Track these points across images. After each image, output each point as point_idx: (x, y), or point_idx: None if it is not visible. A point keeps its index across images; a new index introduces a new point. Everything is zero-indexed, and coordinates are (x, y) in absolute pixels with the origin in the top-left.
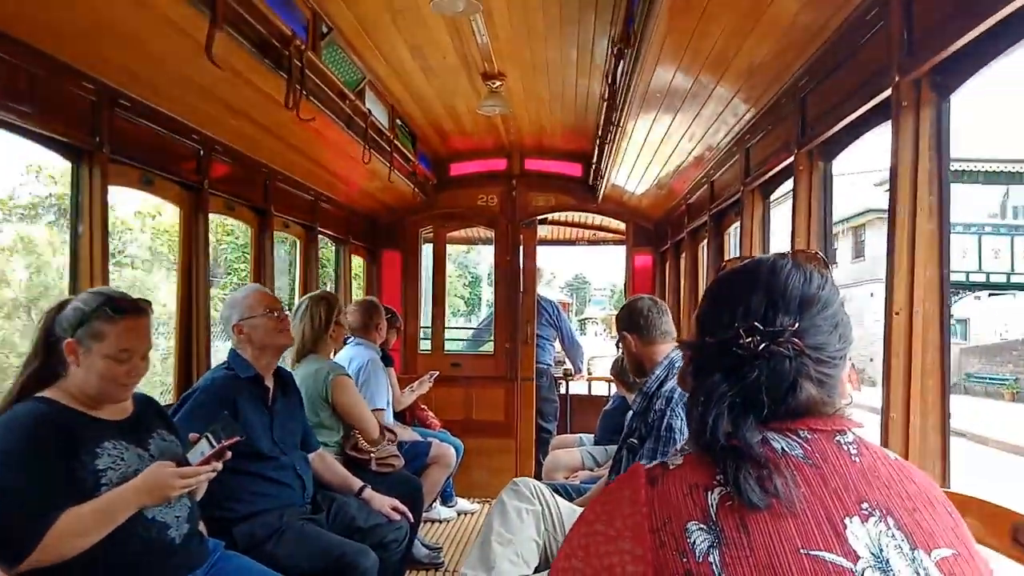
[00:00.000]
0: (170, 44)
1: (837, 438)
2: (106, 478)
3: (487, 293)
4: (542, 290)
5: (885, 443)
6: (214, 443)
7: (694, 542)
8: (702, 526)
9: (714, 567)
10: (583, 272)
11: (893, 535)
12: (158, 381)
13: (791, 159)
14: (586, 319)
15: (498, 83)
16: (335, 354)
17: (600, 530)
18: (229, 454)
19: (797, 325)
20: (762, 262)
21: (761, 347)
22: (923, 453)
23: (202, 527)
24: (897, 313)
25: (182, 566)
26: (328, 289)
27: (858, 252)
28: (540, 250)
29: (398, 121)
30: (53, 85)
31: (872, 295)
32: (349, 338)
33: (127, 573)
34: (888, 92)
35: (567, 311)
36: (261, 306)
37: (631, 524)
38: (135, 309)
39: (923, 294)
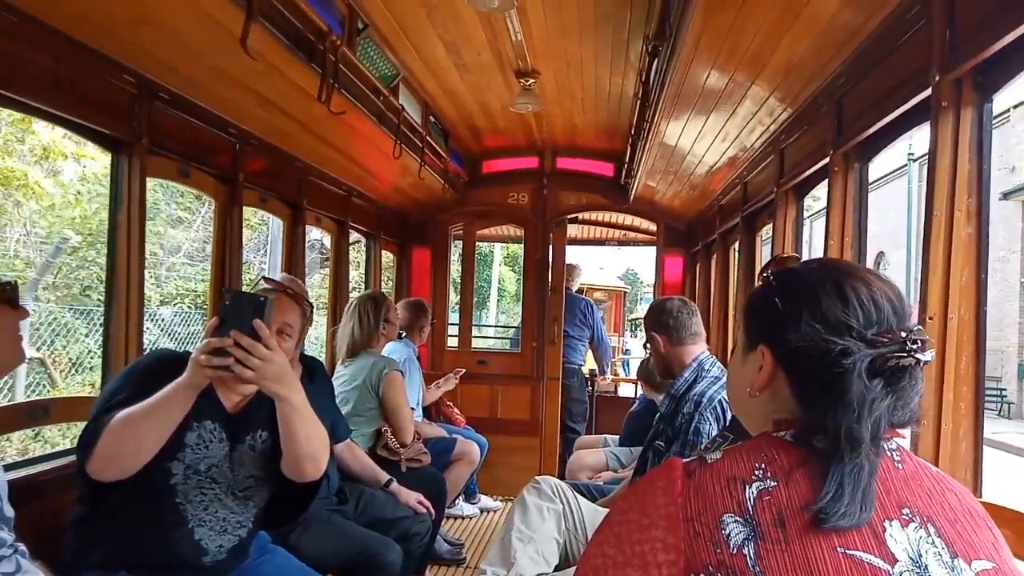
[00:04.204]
0: (207, 37)
1: (881, 444)
2: (181, 454)
3: (498, 278)
4: (595, 277)
5: (915, 449)
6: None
7: (729, 534)
8: (738, 519)
9: (748, 559)
10: (634, 267)
11: (933, 542)
12: None
13: (826, 160)
14: (638, 319)
15: (531, 80)
16: None
17: (634, 519)
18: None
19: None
20: (847, 263)
21: (925, 355)
22: (954, 461)
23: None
24: (931, 318)
25: None
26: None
27: None
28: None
29: (431, 118)
30: (94, 77)
31: None
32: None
33: (148, 566)
34: (928, 92)
35: (620, 302)
36: None
37: (665, 513)
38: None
39: (958, 299)
